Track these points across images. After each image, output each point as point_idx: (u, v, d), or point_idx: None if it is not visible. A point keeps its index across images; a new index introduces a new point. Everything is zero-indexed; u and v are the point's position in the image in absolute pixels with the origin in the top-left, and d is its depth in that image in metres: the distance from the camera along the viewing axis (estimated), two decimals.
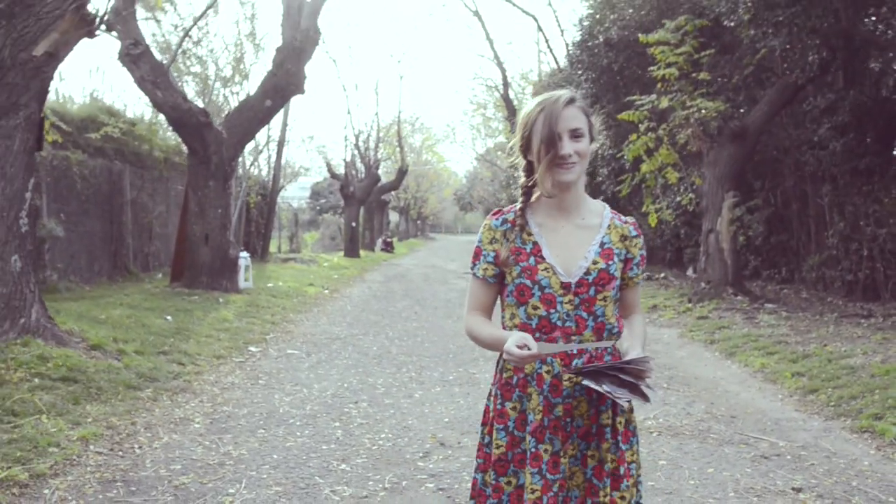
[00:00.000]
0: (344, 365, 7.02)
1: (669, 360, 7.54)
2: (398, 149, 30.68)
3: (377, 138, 28.91)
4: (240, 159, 14.27)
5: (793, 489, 3.92)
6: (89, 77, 46.75)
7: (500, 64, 23.22)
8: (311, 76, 11.22)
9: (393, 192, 35.53)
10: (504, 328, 2.09)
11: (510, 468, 2.04)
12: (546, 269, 1.99)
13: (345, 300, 12.77)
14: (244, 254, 11.86)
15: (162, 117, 11.75)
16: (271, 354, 7.47)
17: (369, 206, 30.47)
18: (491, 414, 2.11)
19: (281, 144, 18.02)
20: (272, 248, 20.48)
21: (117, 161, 11.86)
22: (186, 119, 9.85)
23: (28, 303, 5.92)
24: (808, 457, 4.47)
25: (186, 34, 11.36)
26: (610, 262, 2.02)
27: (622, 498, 2.00)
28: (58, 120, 9.50)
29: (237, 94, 15.58)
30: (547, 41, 25.75)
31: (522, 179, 2.09)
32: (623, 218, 2.15)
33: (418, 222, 62.35)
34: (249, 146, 15.08)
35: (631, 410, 2.08)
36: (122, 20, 8.53)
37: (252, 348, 7.67)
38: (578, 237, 2.05)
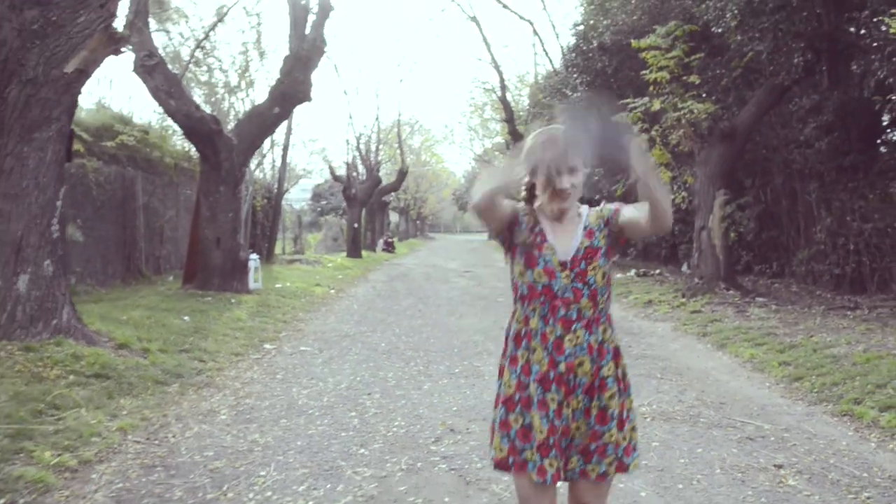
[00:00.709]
0: (355, 360, 7.41)
1: (663, 352, 7.92)
2: (398, 151, 31.08)
3: (378, 140, 29.33)
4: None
5: (774, 466, 4.30)
6: (97, 85, 47.03)
7: (497, 67, 23.60)
8: (314, 81, 11.55)
9: (393, 193, 35.95)
10: (514, 285, 2.49)
11: (517, 408, 2.39)
12: (549, 248, 2.41)
13: (351, 299, 13.16)
14: (254, 256, 12.25)
15: (172, 124, 12.13)
16: (285, 351, 7.85)
17: (370, 208, 30.86)
18: (504, 361, 2.49)
19: (286, 149, 18.41)
20: (277, 249, 20.86)
21: (130, 168, 12.23)
22: (199, 127, 10.23)
23: (59, 305, 6.30)
24: (790, 438, 4.86)
25: (199, 45, 11.74)
26: (593, 239, 2.43)
27: (625, 438, 2.39)
28: (78, 130, 9.86)
29: (243, 100, 15.97)
30: (542, 44, 26.24)
31: (523, 192, 2.51)
32: (597, 207, 2.57)
33: (418, 222, 62.79)
34: None
35: (625, 365, 2.50)
36: (137, 31, 8.90)
37: (267, 346, 8.06)
38: (570, 229, 2.46)
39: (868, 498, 3.82)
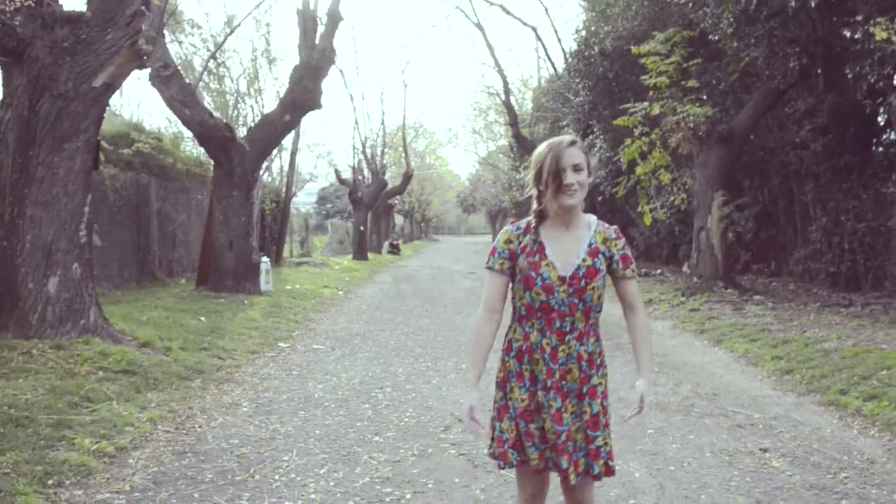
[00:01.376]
0: (366, 357, 7.74)
1: (662, 348, 8.23)
2: (403, 154, 31.47)
3: (383, 144, 29.72)
4: None
5: (760, 450, 4.62)
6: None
7: (500, 71, 23.93)
8: (323, 89, 11.97)
9: (398, 196, 36.33)
10: (514, 307, 2.60)
11: (534, 417, 2.56)
12: (547, 264, 2.49)
13: (359, 300, 13.50)
14: (265, 258, 12.61)
15: (184, 130, 12.50)
16: (299, 349, 8.19)
17: (376, 211, 31.23)
18: (502, 374, 2.64)
19: (293, 153, 18.77)
20: (285, 252, 21.23)
21: (144, 174, 12.61)
22: (213, 134, 10.60)
23: (87, 306, 6.66)
24: (777, 426, 5.18)
25: (212, 56, 12.12)
26: (595, 259, 2.51)
27: (605, 444, 2.57)
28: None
29: (252, 107, 16.37)
30: (546, 49, 26.64)
31: (535, 205, 2.60)
32: (606, 225, 2.64)
33: (422, 224, 63.17)
34: None
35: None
36: (153, 41, 9.25)
37: (281, 344, 8.40)
38: (574, 243, 2.53)
39: (846, 477, 4.14)
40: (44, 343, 6.23)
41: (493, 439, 2.68)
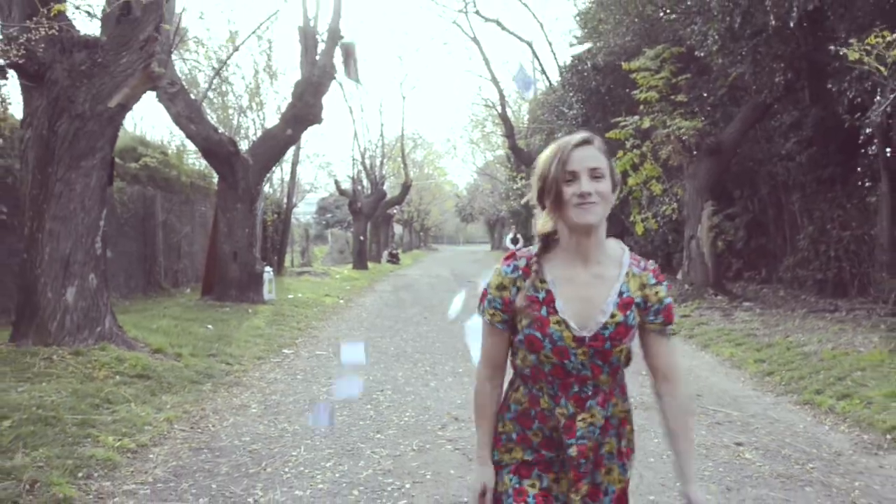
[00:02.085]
0: (367, 362, 8.09)
1: None
2: (402, 165, 31.89)
3: (382, 155, 30.15)
4: None
5: (735, 444, 4.98)
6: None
7: (497, 83, 24.36)
8: (323, 104, 12.33)
9: (397, 206, 36.75)
10: (515, 368, 2.01)
11: (534, 471, 1.97)
12: (558, 322, 1.83)
13: (359, 308, 13.85)
14: (268, 268, 12.97)
15: (188, 144, 12.88)
16: (303, 355, 8.53)
17: (376, 220, 31.61)
18: (506, 441, 2.01)
19: (294, 165, 19.15)
20: (286, 262, 21.59)
21: (150, 187, 12.99)
22: (217, 149, 10.99)
23: (102, 314, 7.01)
24: (754, 423, 5.53)
25: (217, 73, 12.53)
26: (628, 313, 1.86)
27: None
28: None
29: (254, 121, 16.78)
30: (540, 63, 27.08)
31: (538, 226, 1.93)
32: (643, 264, 1.94)
33: (421, 234, 63.60)
34: None
35: (631, 431, 2.02)
36: (164, 64, 9.65)
37: (286, 350, 8.75)
38: (596, 289, 1.85)
39: (812, 468, 4.49)
40: (63, 349, 6.57)
41: None
